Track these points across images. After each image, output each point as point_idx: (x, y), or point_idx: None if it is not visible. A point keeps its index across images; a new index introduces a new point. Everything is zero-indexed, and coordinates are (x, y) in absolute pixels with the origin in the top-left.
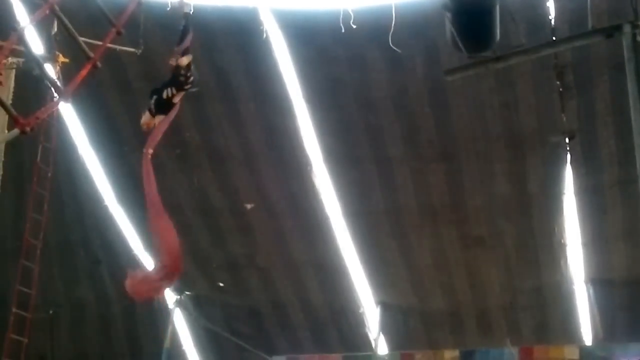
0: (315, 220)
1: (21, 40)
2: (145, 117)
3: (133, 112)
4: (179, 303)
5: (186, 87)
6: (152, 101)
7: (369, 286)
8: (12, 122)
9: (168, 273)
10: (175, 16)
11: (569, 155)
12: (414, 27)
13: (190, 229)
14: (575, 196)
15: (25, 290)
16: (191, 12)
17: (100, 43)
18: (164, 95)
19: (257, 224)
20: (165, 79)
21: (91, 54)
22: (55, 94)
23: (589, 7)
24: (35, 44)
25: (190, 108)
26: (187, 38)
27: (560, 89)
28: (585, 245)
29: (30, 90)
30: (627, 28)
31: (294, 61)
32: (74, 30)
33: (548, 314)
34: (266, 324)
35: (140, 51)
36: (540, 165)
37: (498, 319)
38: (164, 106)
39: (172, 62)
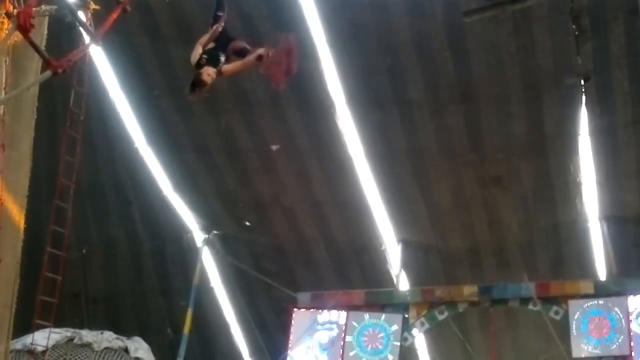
0: (338, 161)
1: None
2: (209, 70)
3: (162, 58)
4: (207, 242)
5: None
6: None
7: (391, 224)
8: (46, 67)
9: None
10: None
11: (584, 97)
12: None
13: (218, 169)
14: (590, 136)
15: (59, 230)
16: None
17: None
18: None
19: (283, 165)
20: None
21: None
22: (87, 38)
23: None
24: None
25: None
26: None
27: (576, 33)
28: (600, 183)
29: (63, 38)
30: None
31: (317, 7)
32: None
33: (564, 251)
34: (291, 262)
35: None
36: (556, 106)
37: (515, 255)
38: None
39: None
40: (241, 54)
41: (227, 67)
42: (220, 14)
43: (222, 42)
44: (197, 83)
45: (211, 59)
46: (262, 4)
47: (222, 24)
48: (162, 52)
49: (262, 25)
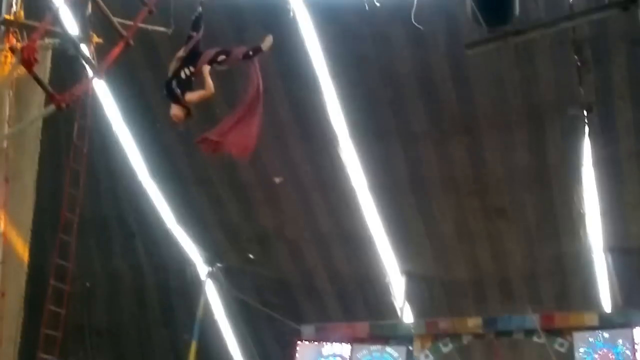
0: (341, 193)
1: (56, 20)
2: (175, 109)
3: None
4: (210, 274)
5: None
6: (174, 88)
7: (394, 256)
8: (49, 100)
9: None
10: None
11: (587, 128)
12: (436, 4)
13: (221, 202)
14: (594, 167)
15: (62, 263)
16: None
17: (132, 23)
18: (183, 75)
19: (286, 197)
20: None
21: (124, 33)
22: (90, 72)
23: None
24: (71, 25)
25: (220, 85)
26: (200, 30)
27: (578, 63)
28: (604, 214)
29: (66, 71)
30: None
31: (319, 39)
32: (107, 10)
33: (568, 282)
34: (295, 294)
35: (171, 31)
36: (559, 137)
37: (519, 287)
38: (186, 83)
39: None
40: (224, 54)
41: (191, 97)
42: (193, 34)
43: (190, 58)
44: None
45: (179, 83)
46: (263, 35)
47: (192, 45)
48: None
49: (264, 57)
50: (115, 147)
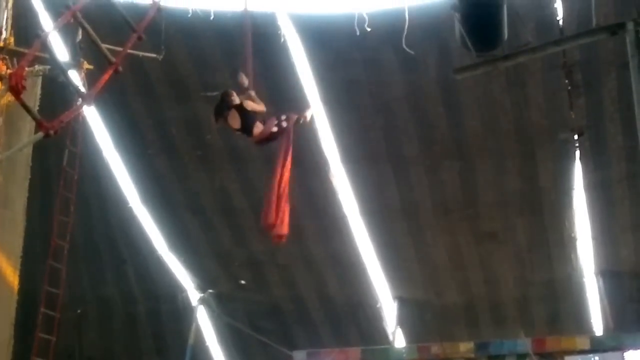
0: (333, 218)
1: (46, 47)
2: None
3: (156, 117)
4: (202, 301)
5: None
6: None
7: (386, 282)
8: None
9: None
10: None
11: (578, 152)
12: (427, 29)
13: (212, 228)
14: (585, 191)
15: (53, 290)
16: None
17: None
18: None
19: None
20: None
21: (113, 59)
22: (79, 99)
23: (593, 7)
24: (61, 51)
25: (211, 111)
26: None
27: (569, 88)
28: (595, 238)
29: (57, 98)
30: (630, 25)
31: (311, 64)
32: (95, 36)
33: (560, 306)
34: (287, 320)
35: (161, 57)
36: (550, 161)
37: (511, 311)
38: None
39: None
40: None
41: (250, 104)
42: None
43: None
44: (224, 100)
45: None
46: (255, 61)
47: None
48: (155, 111)
49: (255, 83)
50: (106, 173)
